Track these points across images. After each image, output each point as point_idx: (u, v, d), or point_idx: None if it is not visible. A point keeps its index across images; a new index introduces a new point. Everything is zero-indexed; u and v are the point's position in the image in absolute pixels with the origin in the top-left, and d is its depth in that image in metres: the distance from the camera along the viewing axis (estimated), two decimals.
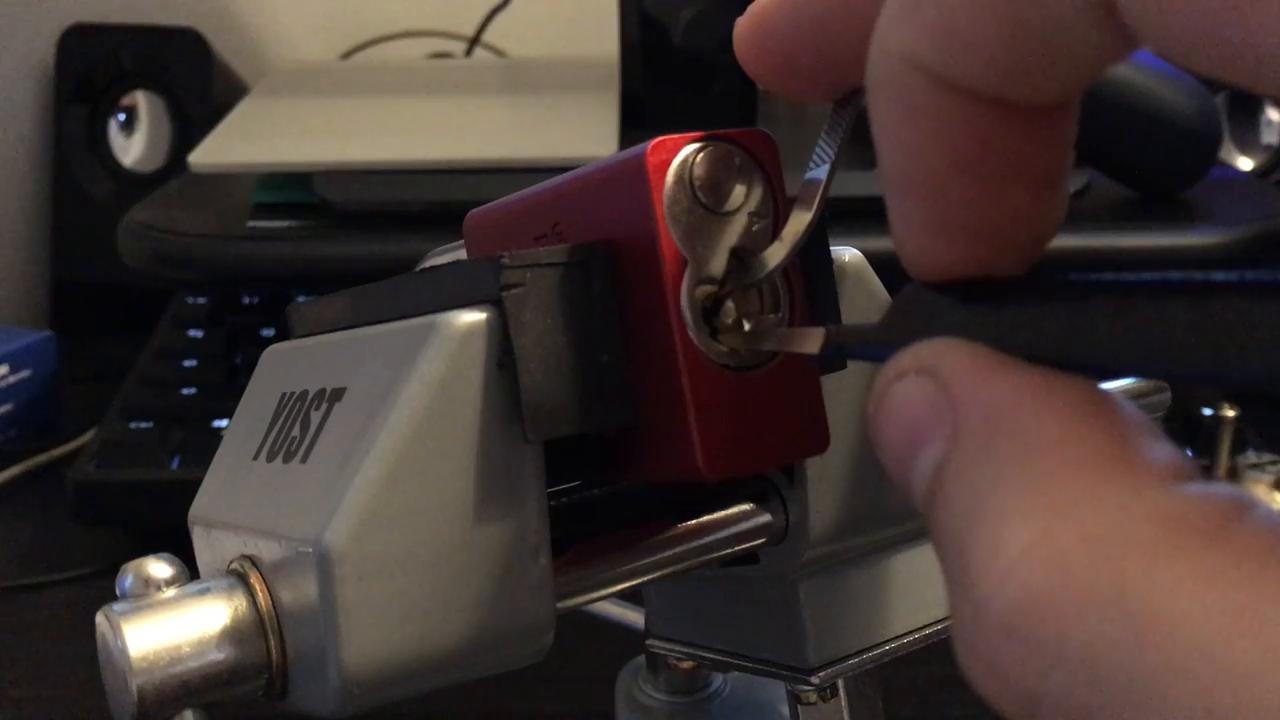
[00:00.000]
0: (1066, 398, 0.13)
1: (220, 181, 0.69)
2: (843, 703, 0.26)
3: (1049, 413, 0.13)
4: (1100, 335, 0.13)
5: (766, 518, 0.24)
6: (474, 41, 0.96)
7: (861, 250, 0.23)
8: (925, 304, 0.16)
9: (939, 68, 0.14)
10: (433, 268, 0.22)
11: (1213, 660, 0.11)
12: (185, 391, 0.65)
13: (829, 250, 0.22)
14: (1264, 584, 0.11)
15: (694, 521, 0.23)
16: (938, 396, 0.14)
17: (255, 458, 0.23)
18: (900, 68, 0.15)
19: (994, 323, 0.15)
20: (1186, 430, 0.60)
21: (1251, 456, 0.58)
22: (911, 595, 0.26)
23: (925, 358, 0.15)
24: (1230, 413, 0.58)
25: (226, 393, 0.65)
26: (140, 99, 0.91)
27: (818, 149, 0.19)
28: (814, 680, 0.25)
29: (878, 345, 0.16)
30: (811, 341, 0.19)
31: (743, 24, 0.18)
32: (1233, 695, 0.11)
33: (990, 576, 0.13)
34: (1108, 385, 0.31)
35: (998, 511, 0.13)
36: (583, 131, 0.69)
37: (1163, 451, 0.13)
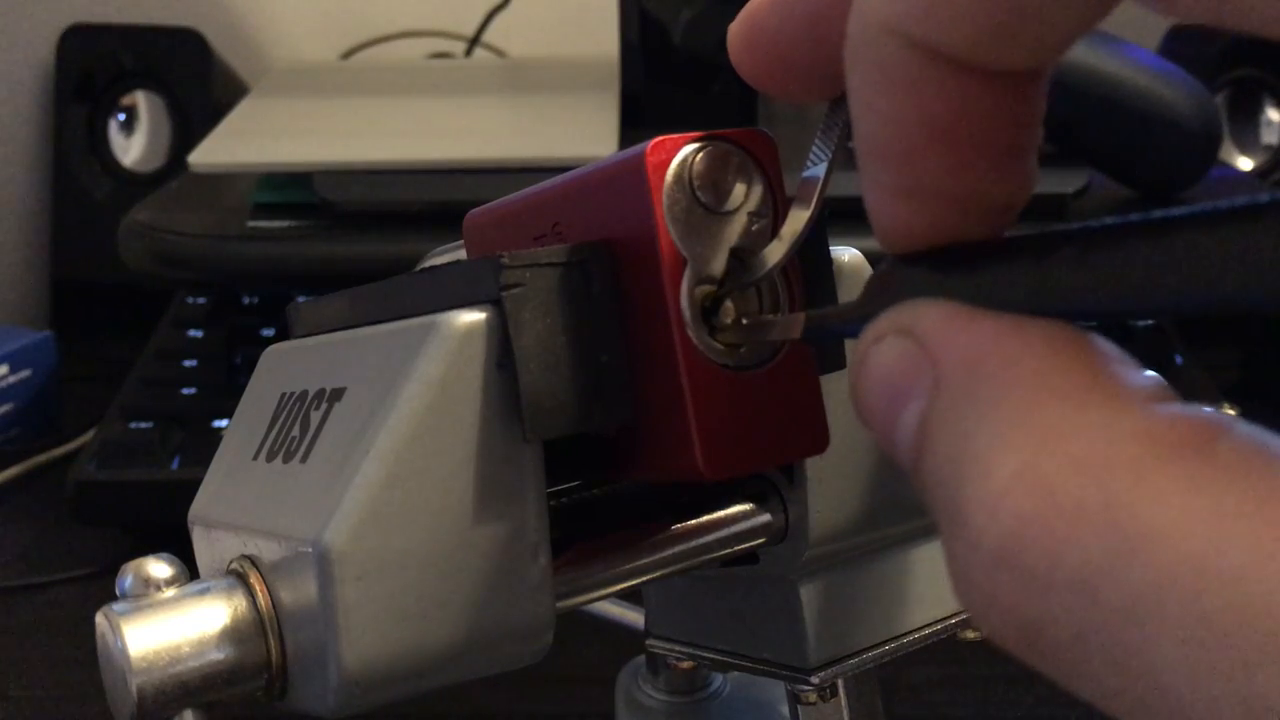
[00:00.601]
0: (1040, 335, 0.14)
1: (220, 181, 0.69)
2: (843, 703, 0.26)
3: (1025, 351, 0.14)
4: (1067, 282, 0.14)
5: (766, 518, 0.24)
6: (474, 41, 0.96)
7: (860, 250, 0.23)
8: (900, 277, 0.16)
9: (917, 33, 0.14)
10: (433, 268, 0.22)
11: (1203, 566, 0.11)
12: (185, 391, 0.65)
13: (828, 249, 0.22)
14: (1248, 493, 0.11)
15: (694, 521, 0.23)
16: (916, 352, 0.15)
17: (255, 458, 0.23)
18: (878, 35, 0.15)
19: (966, 285, 0.15)
20: None
21: None
22: (912, 595, 0.26)
23: (900, 319, 0.15)
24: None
25: (226, 393, 0.65)
26: (140, 99, 0.91)
27: (814, 148, 0.19)
28: (814, 680, 0.25)
29: (858, 322, 0.17)
30: (794, 327, 0.19)
31: (735, 28, 0.18)
32: (1224, 598, 0.11)
33: (981, 510, 0.13)
34: None
35: (983, 447, 0.13)
36: (583, 131, 0.69)
37: (1140, 376, 0.13)
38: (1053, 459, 0.12)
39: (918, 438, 0.14)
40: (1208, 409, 0.12)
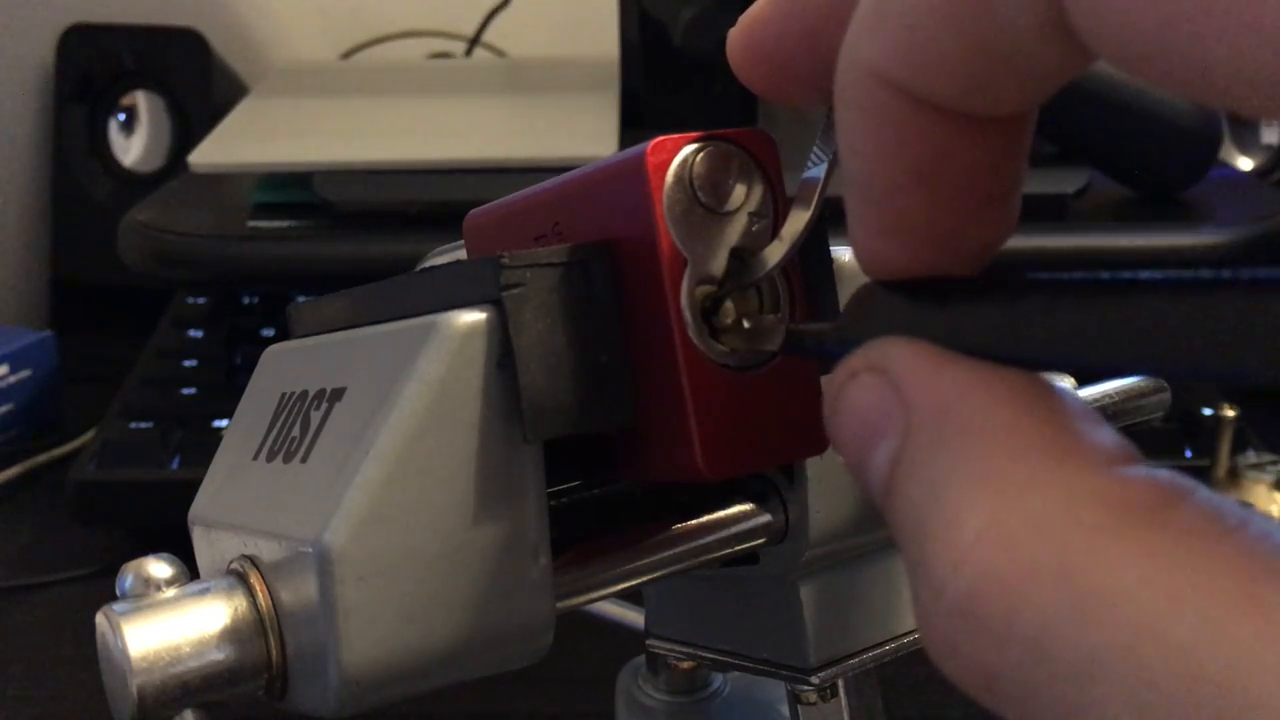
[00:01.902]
0: (1009, 389, 0.14)
1: (220, 181, 0.69)
2: (843, 703, 0.26)
3: (993, 404, 0.14)
4: (1032, 330, 0.14)
5: (766, 518, 0.24)
6: (474, 41, 0.96)
7: None
8: (878, 302, 0.16)
9: (902, 81, 0.15)
10: (433, 268, 0.22)
11: (1153, 635, 0.11)
12: (185, 391, 0.65)
13: (828, 249, 0.22)
14: (1202, 563, 0.12)
15: (694, 521, 0.23)
16: (888, 394, 0.15)
17: (255, 458, 0.23)
18: (866, 79, 0.15)
19: (939, 320, 0.15)
20: (1186, 430, 0.60)
21: (1251, 456, 0.58)
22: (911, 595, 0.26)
23: (874, 357, 0.15)
24: (1230, 413, 0.58)
25: (226, 393, 0.65)
26: (140, 99, 0.91)
27: (815, 149, 0.19)
28: (814, 680, 0.25)
29: (835, 343, 0.17)
30: (774, 339, 0.19)
31: (735, 34, 0.18)
32: (1173, 667, 0.11)
33: (945, 561, 0.13)
34: (1110, 384, 0.31)
35: (950, 500, 0.13)
36: (583, 131, 0.69)
37: (1104, 436, 0.13)
38: (1014, 517, 0.13)
39: (888, 478, 0.15)
40: (1167, 472, 0.13)
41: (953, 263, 0.16)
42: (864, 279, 0.23)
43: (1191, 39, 0.12)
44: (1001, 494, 0.13)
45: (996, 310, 0.15)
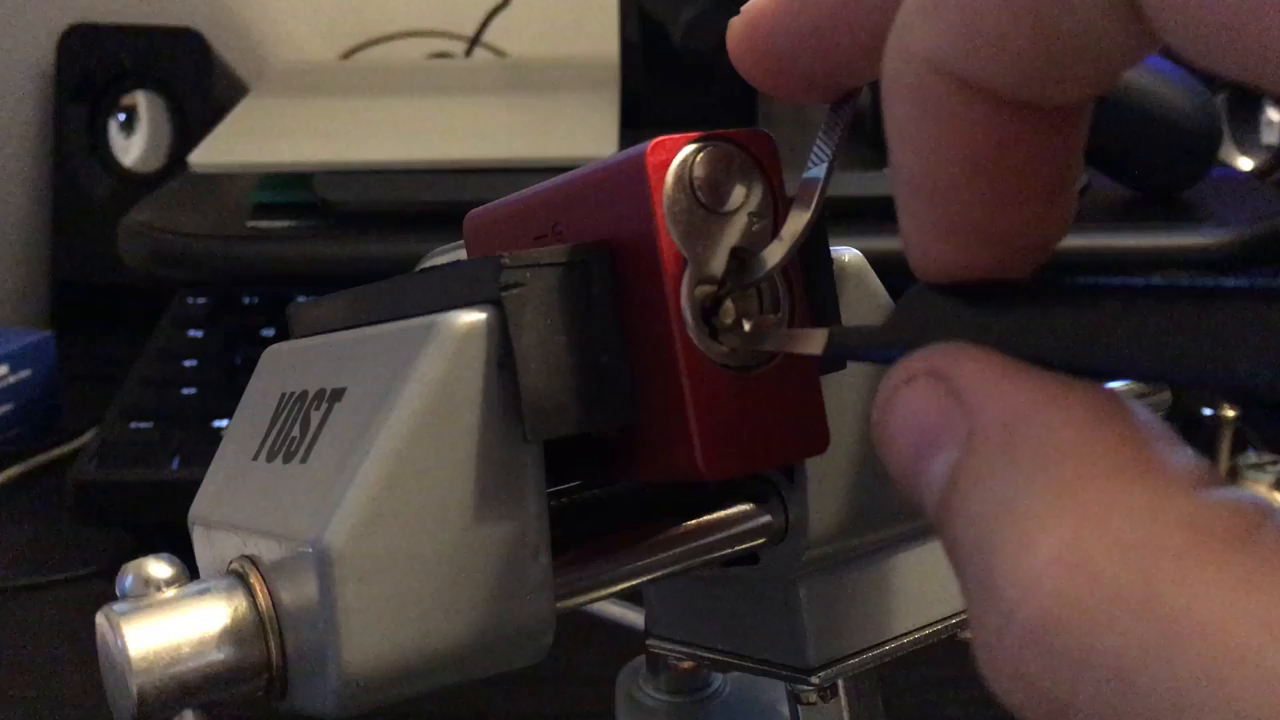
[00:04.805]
0: (1084, 403, 0.13)
1: (220, 181, 0.69)
2: (843, 703, 0.26)
3: (1068, 419, 0.13)
4: (1106, 339, 0.13)
5: (766, 518, 0.24)
6: (474, 41, 0.96)
7: (861, 250, 0.23)
8: (930, 306, 0.16)
9: (960, 69, 0.14)
10: (433, 268, 0.22)
11: (1246, 666, 0.11)
12: (185, 391, 0.65)
13: (828, 249, 0.22)
14: None
15: (694, 521, 0.23)
16: (949, 401, 0.14)
17: (255, 458, 0.23)
18: (920, 69, 0.15)
19: (1000, 326, 0.15)
20: (1186, 430, 0.60)
21: (1251, 456, 0.58)
22: (912, 595, 0.26)
23: (935, 362, 0.15)
24: (1230, 413, 0.58)
25: (226, 393, 0.64)
26: (140, 99, 0.91)
27: (815, 149, 0.19)
28: (814, 680, 0.25)
29: (882, 347, 0.16)
30: (815, 343, 0.19)
31: (736, 25, 0.18)
32: (1265, 697, 0.11)
33: (1017, 584, 0.13)
34: (1111, 385, 0.31)
35: (1022, 518, 0.13)
36: (583, 131, 0.69)
37: (1184, 457, 0.13)
38: (1096, 541, 0.12)
39: (946, 490, 0.14)
40: (1247, 493, 0.12)
41: (1009, 263, 0.16)
42: (865, 279, 0.23)
43: (1260, 25, 0.11)
44: (1080, 516, 0.12)
45: (1066, 314, 0.14)
